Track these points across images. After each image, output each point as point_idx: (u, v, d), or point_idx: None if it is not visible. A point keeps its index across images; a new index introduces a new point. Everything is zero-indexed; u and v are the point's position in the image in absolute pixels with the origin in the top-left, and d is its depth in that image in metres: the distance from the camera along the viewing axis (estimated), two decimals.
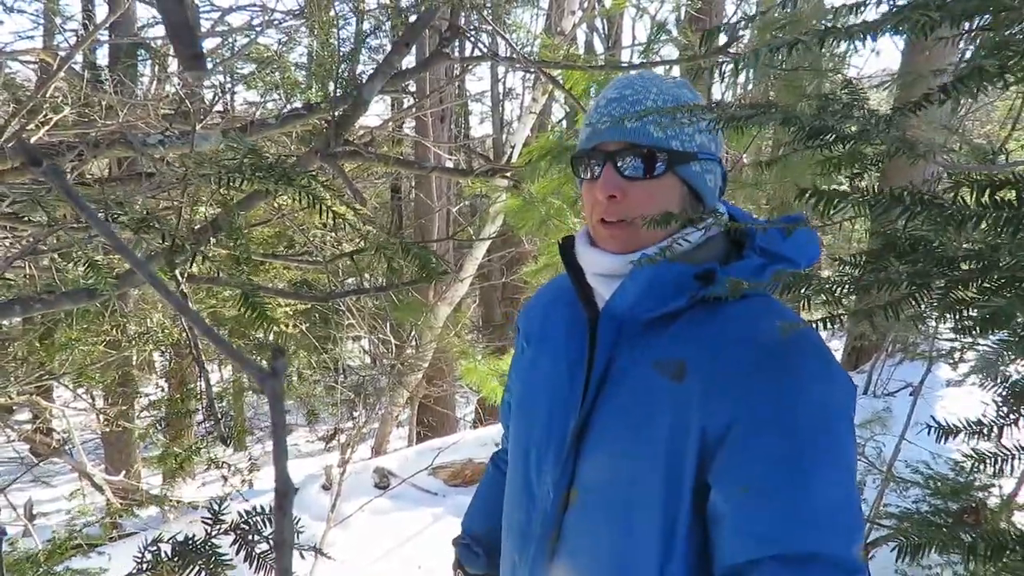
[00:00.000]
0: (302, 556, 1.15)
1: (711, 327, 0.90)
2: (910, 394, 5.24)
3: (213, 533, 1.01)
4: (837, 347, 9.26)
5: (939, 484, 2.43)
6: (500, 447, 1.42)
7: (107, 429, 5.53)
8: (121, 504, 4.51)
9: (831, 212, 0.55)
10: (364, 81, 1.59)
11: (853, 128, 0.68)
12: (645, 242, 0.95)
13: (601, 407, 0.94)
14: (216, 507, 1.04)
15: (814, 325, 0.74)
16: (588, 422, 0.95)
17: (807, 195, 0.56)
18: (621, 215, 0.95)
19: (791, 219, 0.94)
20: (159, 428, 5.60)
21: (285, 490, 0.31)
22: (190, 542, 0.98)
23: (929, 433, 0.94)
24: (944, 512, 2.20)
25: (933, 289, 0.59)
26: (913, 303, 0.59)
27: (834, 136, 0.69)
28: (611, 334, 0.95)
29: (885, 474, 2.70)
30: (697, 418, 0.85)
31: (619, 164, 0.93)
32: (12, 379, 3.94)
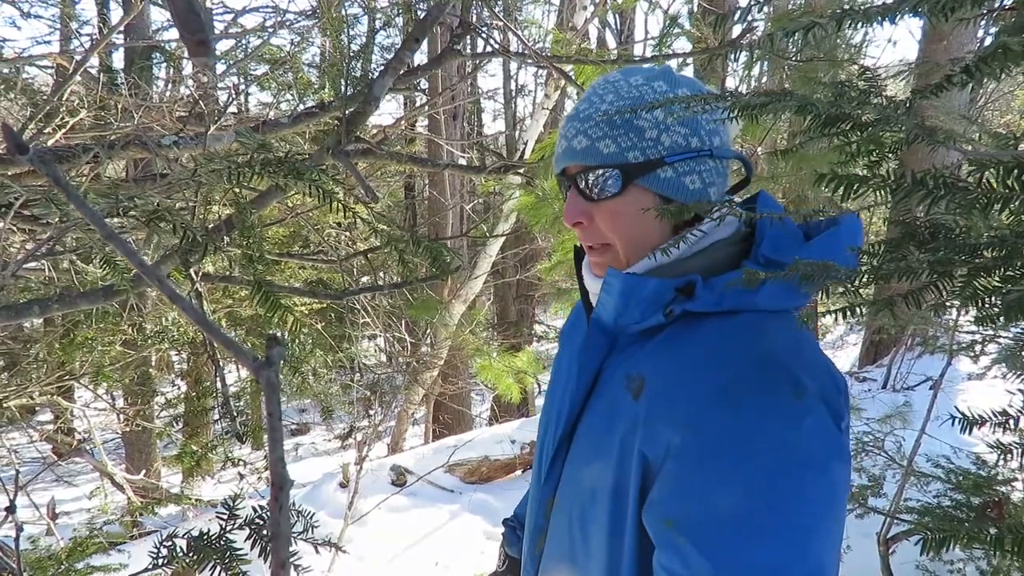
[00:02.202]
0: (317, 551, 1.16)
1: (681, 346, 0.83)
2: (930, 388, 5.19)
3: (228, 528, 1.02)
4: (856, 341, 9.18)
5: (961, 478, 2.40)
6: None
7: (127, 429, 5.59)
8: (141, 502, 4.56)
9: (850, 198, 0.54)
10: (375, 78, 1.59)
11: (871, 115, 0.67)
12: (631, 259, 0.89)
13: (583, 417, 0.91)
14: (231, 503, 1.04)
15: (833, 317, 0.70)
16: (573, 431, 0.93)
17: (825, 180, 0.55)
18: (594, 239, 0.90)
19: (829, 220, 0.85)
20: (175, 427, 5.66)
21: (281, 483, 0.31)
22: (205, 537, 0.98)
23: (953, 424, 0.92)
24: (966, 506, 2.17)
25: (955, 277, 0.58)
26: (934, 291, 0.57)
27: (851, 123, 0.68)
28: (601, 345, 0.91)
29: (905, 469, 2.67)
30: (639, 440, 0.78)
31: (580, 187, 0.88)
32: (33, 380, 3.99)
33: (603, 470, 0.83)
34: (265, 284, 1.07)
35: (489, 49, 2.87)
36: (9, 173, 1.95)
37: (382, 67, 1.71)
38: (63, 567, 2.11)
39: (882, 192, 0.54)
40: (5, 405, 3.30)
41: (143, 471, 5.72)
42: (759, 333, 0.80)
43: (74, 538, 2.48)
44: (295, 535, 1.08)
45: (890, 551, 2.65)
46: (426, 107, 6.21)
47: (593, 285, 0.95)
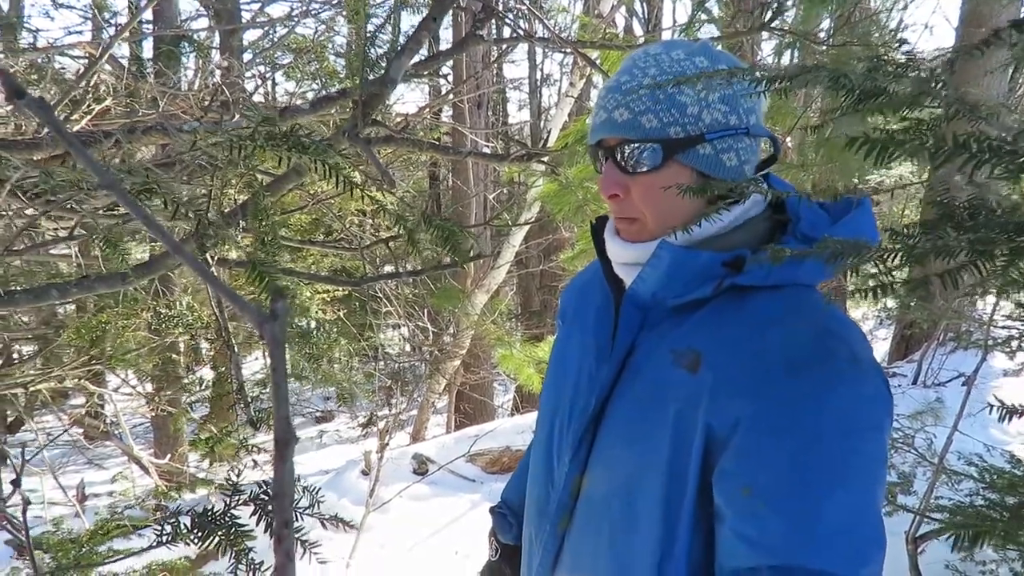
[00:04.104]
0: (324, 527, 1.15)
1: (734, 319, 0.84)
2: (963, 384, 5.06)
3: (232, 504, 1.01)
4: (886, 335, 9.00)
5: (995, 477, 2.32)
6: None
7: (154, 413, 5.68)
8: (167, 486, 4.63)
9: (885, 162, 0.50)
10: (392, 59, 1.56)
11: (909, 88, 0.62)
12: (658, 233, 0.90)
13: (617, 393, 0.91)
14: (234, 480, 1.03)
15: (858, 298, 0.67)
16: (604, 408, 0.92)
17: (857, 144, 0.50)
18: (627, 213, 0.91)
19: (847, 201, 0.87)
20: (191, 411, 5.74)
21: (286, 439, 0.30)
22: (209, 513, 0.98)
23: (990, 413, 0.88)
24: (1000, 506, 2.10)
25: (996, 257, 0.53)
26: (973, 272, 0.53)
27: (887, 99, 0.63)
28: (635, 320, 0.91)
29: (936, 466, 2.60)
30: (704, 413, 0.80)
31: (618, 160, 0.88)
32: (63, 363, 4.05)
33: (655, 444, 0.83)
34: (260, 263, 1.05)
35: (514, 35, 2.83)
36: (35, 158, 1.97)
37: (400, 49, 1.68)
38: (85, 549, 2.13)
39: (920, 157, 0.50)
40: (32, 389, 3.36)
41: (169, 455, 5.81)
42: (808, 306, 0.84)
43: (97, 521, 2.51)
44: (301, 511, 1.07)
45: (919, 550, 2.58)
46: (450, 95, 6.19)
47: (619, 254, 0.94)
